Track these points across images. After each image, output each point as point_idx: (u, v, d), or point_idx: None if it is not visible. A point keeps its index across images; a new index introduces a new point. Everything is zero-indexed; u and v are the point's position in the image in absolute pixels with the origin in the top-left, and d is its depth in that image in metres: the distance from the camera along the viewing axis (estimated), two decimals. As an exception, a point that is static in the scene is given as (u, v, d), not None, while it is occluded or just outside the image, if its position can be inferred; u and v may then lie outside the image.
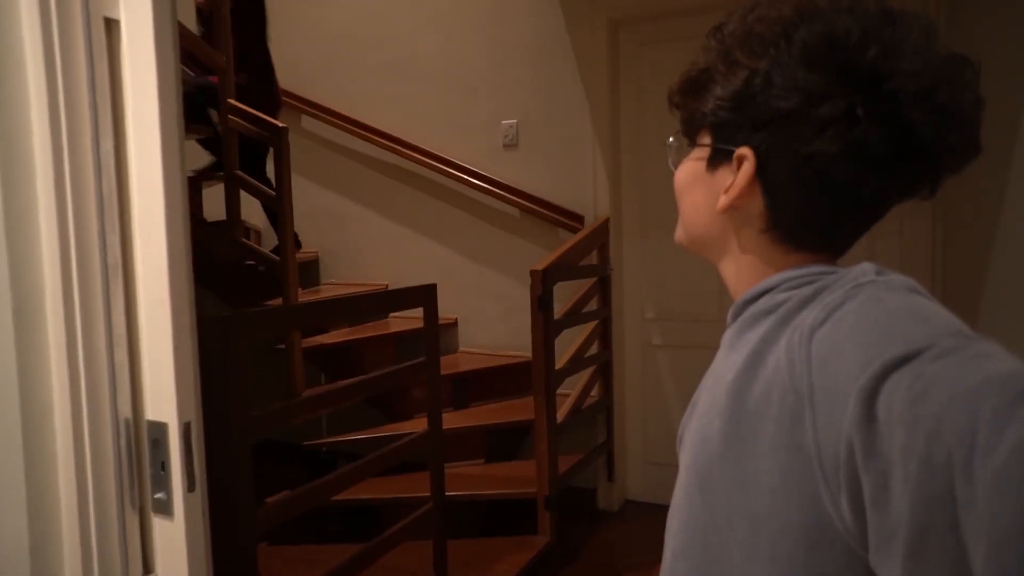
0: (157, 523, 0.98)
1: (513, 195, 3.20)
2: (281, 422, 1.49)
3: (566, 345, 2.74)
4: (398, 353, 3.13)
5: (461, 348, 3.43)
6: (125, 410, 0.98)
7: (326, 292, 3.54)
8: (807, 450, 0.46)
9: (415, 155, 3.41)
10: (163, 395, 0.97)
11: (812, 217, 0.57)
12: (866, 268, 0.52)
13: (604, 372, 2.97)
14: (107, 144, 0.94)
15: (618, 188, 3.09)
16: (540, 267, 2.44)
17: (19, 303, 0.88)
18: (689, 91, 0.62)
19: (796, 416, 0.47)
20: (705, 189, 0.63)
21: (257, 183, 2.73)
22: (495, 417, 2.89)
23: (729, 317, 0.63)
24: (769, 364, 0.52)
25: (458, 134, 3.37)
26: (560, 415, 2.60)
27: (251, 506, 1.30)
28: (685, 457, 0.61)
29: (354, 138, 3.59)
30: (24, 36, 0.87)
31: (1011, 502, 0.30)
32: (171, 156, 0.95)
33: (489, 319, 3.35)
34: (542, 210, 3.14)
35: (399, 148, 3.44)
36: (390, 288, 3.51)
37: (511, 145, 3.25)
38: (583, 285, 2.87)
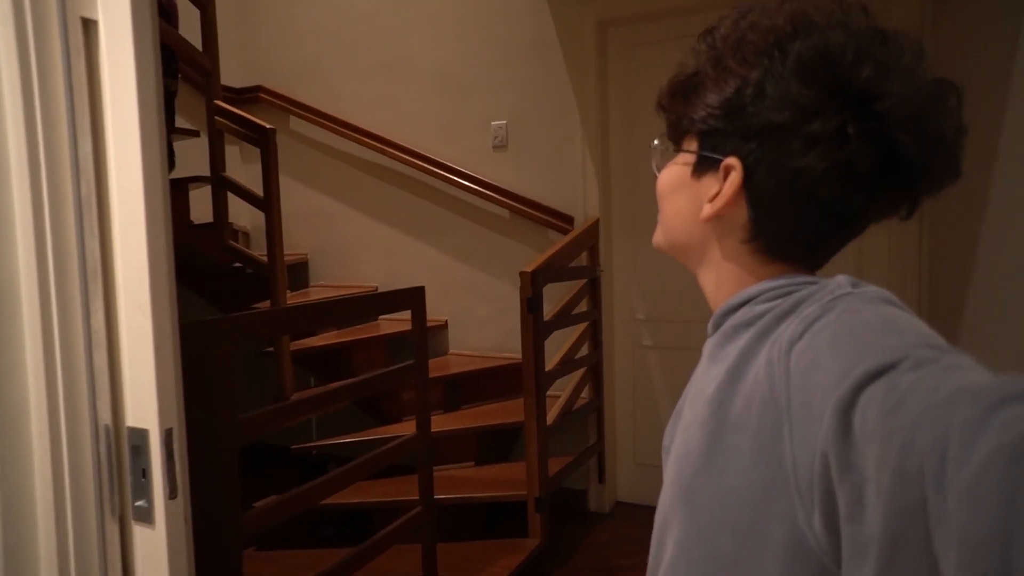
0: (138, 531, 0.96)
1: (503, 196, 3.19)
2: (268, 426, 1.47)
3: (556, 347, 2.74)
4: (389, 355, 3.11)
5: (451, 350, 3.42)
6: (105, 416, 0.96)
7: (315, 294, 3.52)
8: (784, 464, 0.46)
9: (405, 156, 3.40)
10: (144, 401, 0.95)
11: (796, 231, 0.57)
12: (842, 280, 0.52)
13: (594, 373, 2.96)
14: (85, 146, 0.93)
15: (608, 189, 3.08)
16: (530, 269, 2.43)
17: (-6, 308, 0.87)
18: (678, 95, 0.62)
19: (775, 430, 0.47)
20: (689, 195, 0.62)
21: (244, 185, 2.71)
22: (486, 419, 2.88)
23: (710, 327, 0.63)
24: (749, 377, 0.52)
25: (448, 135, 3.36)
26: (550, 417, 2.60)
27: (235, 512, 1.29)
28: (670, 470, 0.61)
29: (343, 139, 3.58)
30: (-2, 36, 0.85)
31: (981, 513, 0.30)
32: (151, 158, 0.94)
33: (479, 321, 3.34)
34: (532, 211, 3.13)
35: (388, 149, 3.43)
36: (380, 290, 3.49)
37: (501, 146, 3.25)
38: (573, 286, 2.86)
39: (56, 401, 0.89)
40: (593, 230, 2.96)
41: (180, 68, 2.85)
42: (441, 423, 2.80)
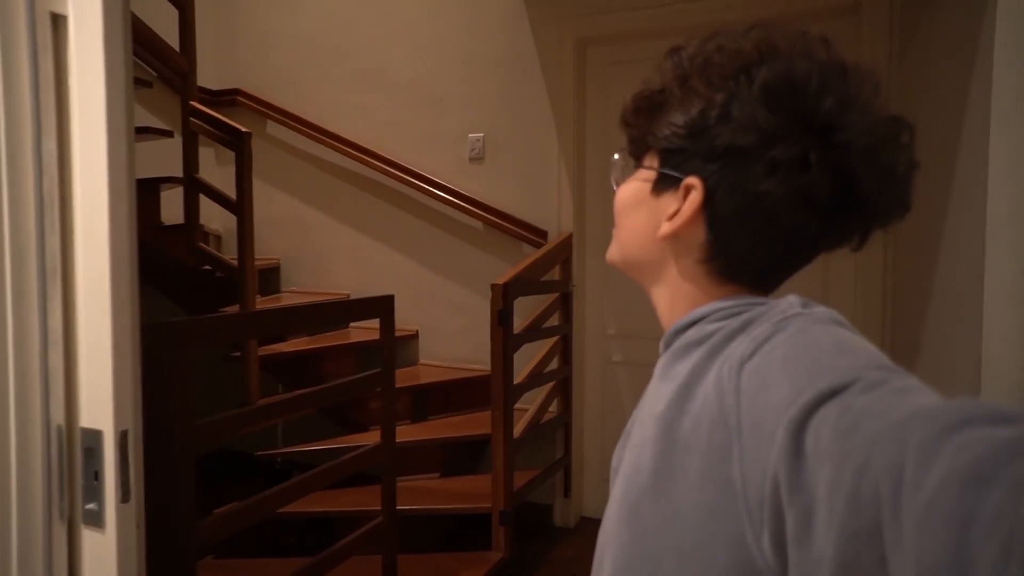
0: (87, 535, 0.95)
1: (478, 208, 3.20)
2: (229, 431, 1.45)
3: (527, 360, 2.74)
4: (359, 363, 3.09)
5: (422, 360, 3.41)
6: (58, 416, 0.94)
7: (287, 300, 3.48)
8: (734, 485, 0.46)
9: (381, 165, 3.39)
10: (99, 402, 0.94)
11: (751, 254, 0.58)
12: (792, 301, 0.53)
13: (564, 388, 2.97)
14: (50, 144, 0.92)
15: (582, 205, 3.11)
16: (501, 281, 2.44)
17: (-53, 303, 0.85)
18: (643, 111, 0.62)
19: (724, 450, 0.47)
20: (647, 212, 0.62)
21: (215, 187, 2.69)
22: (453, 431, 2.87)
23: (661, 346, 0.63)
24: (699, 397, 0.52)
25: (425, 146, 3.37)
26: (517, 430, 2.60)
27: (191, 518, 1.27)
28: (617, 489, 0.60)
29: (320, 146, 3.56)
30: (-37, 29, 0.84)
31: (937, 539, 0.30)
32: (118, 157, 0.93)
33: (451, 332, 3.34)
34: (506, 224, 3.14)
35: (365, 157, 3.42)
36: (352, 298, 3.47)
37: (477, 158, 3.26)
38: (545, 300, 2.88)
39: (6, 400, 0.87)
40: (566, 245, 2.98)
41: (156, 67, 2.83)
42: (408, 433, 2.79)
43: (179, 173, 2.71)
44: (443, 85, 3.32)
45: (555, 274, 2.97)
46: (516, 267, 2.64)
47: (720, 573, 0.47)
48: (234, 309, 2.76)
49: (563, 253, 2.96)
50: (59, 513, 0.93)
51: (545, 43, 3.09)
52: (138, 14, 2.45)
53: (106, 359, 0.93)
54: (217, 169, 3.71)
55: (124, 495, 0.95)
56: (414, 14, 3.37)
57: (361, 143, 3.45)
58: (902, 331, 2.29)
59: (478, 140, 3.25)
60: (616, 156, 0.68)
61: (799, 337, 0.47)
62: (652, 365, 0.66)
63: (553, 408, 2.97)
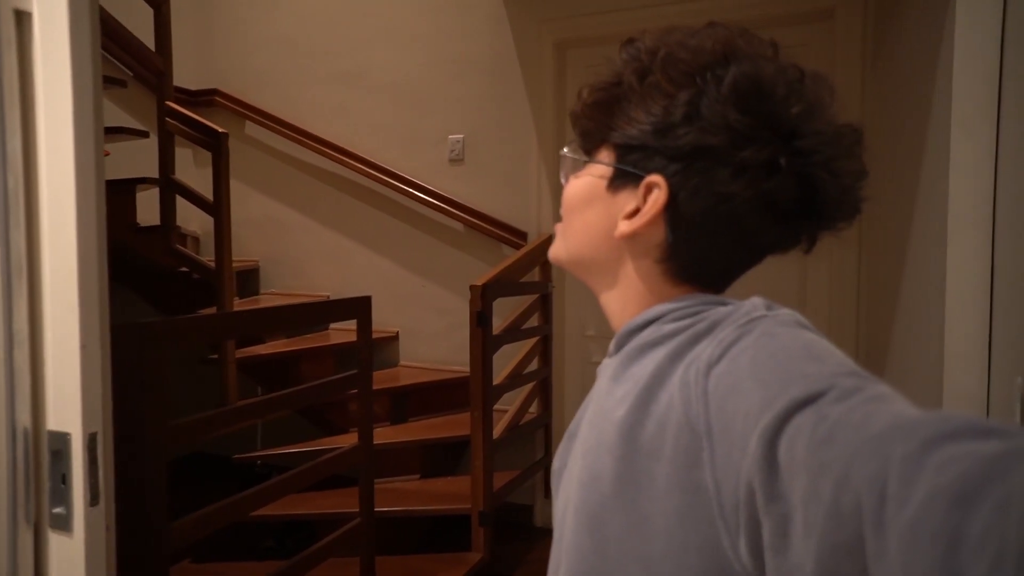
0: (54, 539, 0.93)
1: (458, 210, 3.20)
2: (202, 433, 1.44)
3: (507, 361, 2.74)
4: (338, 365, 3.07)
5: (402, 362, 3.40)
6: (24, 418, 0.93)
7: (265, 302, 3.46)
8: (705, 490, 0.45)
9: (361, 166, 3.38)
10: (67, 404, 0.93)
11: (711, 256, 0.57)
12: (756, 303, 0.52)
13: (543, 388, 2.97)
14: (14, 141, 0.91)
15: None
16: (480, 282, 2.44)
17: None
18: (600, 104, 0.60)
19: (693, 455, 0.46)
20: (602, 209, 0.60)
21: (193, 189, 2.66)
22: (433, 432, 2.86)
23: (612, 347, 0.61)
24: (662, 401, 0.50)
25: (405, 147, 3.36)
26: (497, 431, 2.59)
27: (163, 521, 1.25)
28: (572, 496, 0.57)
29: (300, 147, 3.54)
30: (-76, 24, 0.83)
31: (924, 557, 0.29)
32: (85, 154, 0.92)
33: (431, 333, 3.33)
34: (486, 225, 3.14)
35: (345, 159, 3.41)
36: (331, 300, 3.45)
37: (457, 160, 3.26)
38: (525, 301, 2.88)
39: (-30, 401, 0.86)
40: (546, 246, 2.97)
41: (132, 66, 2.79)
42: (388, 435, 2.78)
43: (156, 174, 2.68)
44: (423, 86, 3.31)
45: (535, 275, 2.97)
46: (495, 268, 2.64)
47: None
48: (212, 311, 2.74)
49: (543, 254, 2.96)
50: (25, 517, 0.92)
51: (525, 45, 3.09)
52: (113, 12, 2.43)
53: (74, 360, 0.92)
54: (195, 170, 3.67)
55: (93, 498, 0.93)
56: (394, 16, 3.36)
57: (341, 144, 3.44)
58: (874, 332, 2.33)
59: (458, 141, 3.25)
60: (565, 150, 0.65)
61: (766, 340, 0.46)
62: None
63: (533, 409, 2.98)
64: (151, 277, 2.92)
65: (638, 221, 0.57)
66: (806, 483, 0.37)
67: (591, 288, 0.65)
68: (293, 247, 3.63)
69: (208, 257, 2.72)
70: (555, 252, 0.66)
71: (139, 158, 2.99)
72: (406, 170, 3.33)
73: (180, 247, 2.73)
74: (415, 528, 2.77)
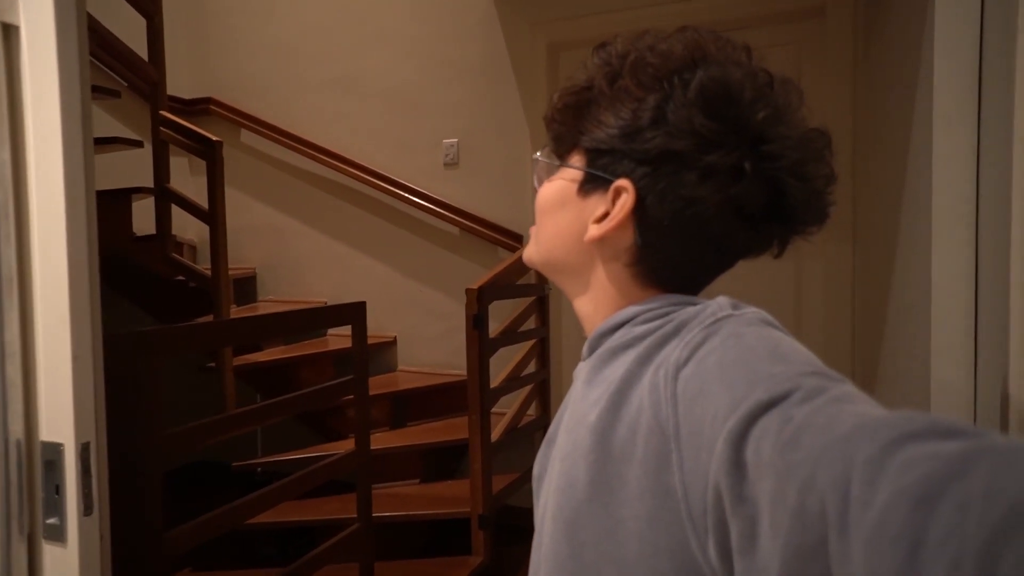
0: (48, 550, 0.94)
1: (453, 213, 3.20)
2: (197, 442, 1.44)
3: (505, 364, 2.74)
4: (337, 371, 3.08)
5: (400, 366, 3.40)
6: (16, 430, 0.93)
7: (263, 309, 3.46)
8: (674, 493, 0.45)
9: (356, 172, 3.39)
10: (60, 414, 0.93)
11: (680, 259, 0.57)
12: (723, 303, 0.52)
13: (541, 391, 2.97)
14: (3, 153, 0.91)
15: (557, 208, 3.12)
16: (475, 286, 2.44)
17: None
18: (571, 108, 0.60)
19: (662, 459, 0.46)
20: (573, 213, 0.60)
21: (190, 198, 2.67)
22: (432, 436, 2.86)
23: (585, 350, 0.62)
24: (633, 404, 0.50)
25: (399, 152, 3.37)
26: (495, 434, 2.59)
27: (157, 530, 1.25)
28: (550, 503, 0.58)
29: (295, 154, 3.55)
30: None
31: (886, 559, 0.30)
32: (74, 165, 0.93)
33: (429, 337, 3.33)
34: (482, 229, 3.15)
35: (340, 165, 3.41)
36: (326, 306, 3.45)
37: (452, 164, 3.27)
38: (522, 304, 2.88)
39: (-38, 413, 0.86)
40: (542, 248, 2.98)
41: (125, 76, 2.81)
42: (387, 440, 2.78)
43: (151, 183, 2.69)
44: (417, 91, 3.32)
45: (531, 278, 2.97)
46: (491, 271, 2.64)
47: None
48: (208, 319, 2.74)
49: (539, 257, 2.96)
50: (19, 528, 0.92)
51: (518, 48, 3.10)
52: (107, 23, 2.44)
53: (66, 370, 0.93)
54: (191, 179, 3.68)
55: (87, 508, 0.94)
56: (387, 21, 3.37)
57: (336, 150, 3.44)
58: (869, 328, 2.33)
59: (452, 146, 3.25)
60: (538, 154, 0.66)
61: (732, 341, 0.46)
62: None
63: (531, 411, 2.98)
64: (148, 286, 2.92)
65: (607, 225, 0.57)
66: (772, 485, 0.37)
67: (564, 291, 0.66)
68: (290, 254, 3.64)
69: (205, 265, 2.73)
70: (528, 254, 0.67)
71: (136, 168, 3.00)
72: (401, 175, 3.34)
73: (176, 256, 2.74)
74: (416, 533, 2.77)
